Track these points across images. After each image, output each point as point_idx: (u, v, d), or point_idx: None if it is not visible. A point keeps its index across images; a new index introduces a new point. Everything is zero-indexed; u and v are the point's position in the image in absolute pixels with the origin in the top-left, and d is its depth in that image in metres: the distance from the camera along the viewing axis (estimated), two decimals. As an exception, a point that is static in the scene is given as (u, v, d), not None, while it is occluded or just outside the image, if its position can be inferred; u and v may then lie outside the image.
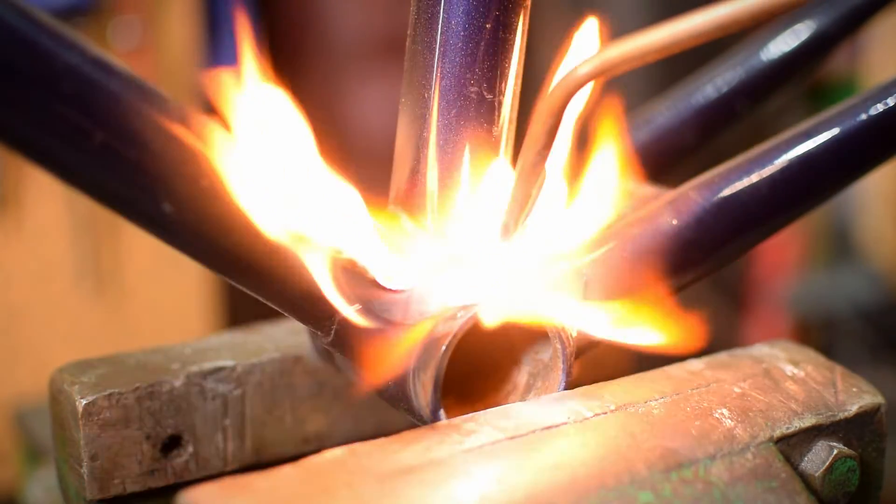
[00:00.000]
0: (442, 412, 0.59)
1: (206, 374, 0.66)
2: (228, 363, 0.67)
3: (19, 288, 1.79)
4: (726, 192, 0.65)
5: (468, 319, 0.58)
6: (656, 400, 0.60)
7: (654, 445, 0.56)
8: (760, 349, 0.66)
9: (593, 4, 1.82)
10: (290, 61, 2.15)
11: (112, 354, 0.68)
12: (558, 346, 0.61)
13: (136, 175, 0.53)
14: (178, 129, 0.54)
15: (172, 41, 1.82)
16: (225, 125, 0.56)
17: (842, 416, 0.61)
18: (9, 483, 1.53)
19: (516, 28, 0.62)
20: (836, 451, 0.59)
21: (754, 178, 0.65)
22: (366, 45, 2.11)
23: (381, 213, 0.63)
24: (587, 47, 0.64)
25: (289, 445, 0.70)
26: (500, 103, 0.63)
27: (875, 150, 0.66)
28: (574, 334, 0.61)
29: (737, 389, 0.61)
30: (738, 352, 0.66)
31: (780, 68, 0.82)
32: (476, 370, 0.64)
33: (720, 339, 0.66)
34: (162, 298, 1.88)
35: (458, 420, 0.58)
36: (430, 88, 0.62)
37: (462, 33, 0.62)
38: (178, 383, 0.65)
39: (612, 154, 0.64)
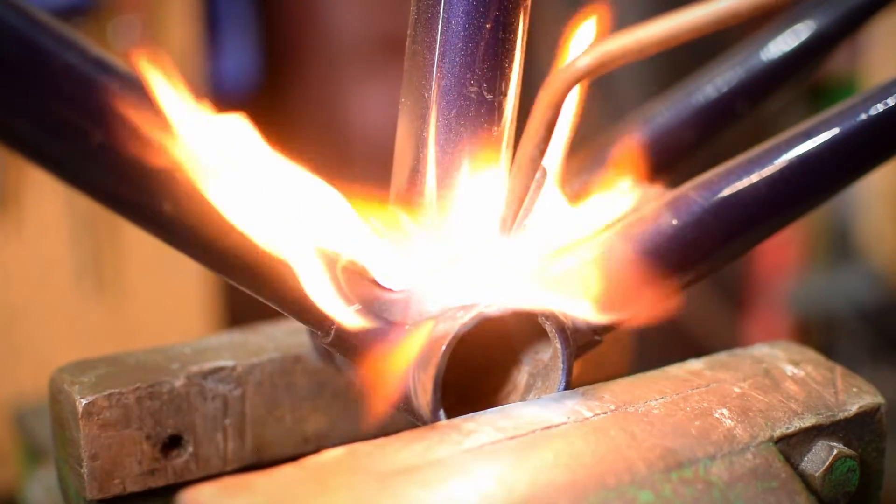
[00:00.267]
0: (442, 412, 0.59)
1: (206, 374, 0.66)
2: (228, 363, 0.67)
3: (19, 288, 1.79)
4: (726, 192, 0.65)
5: (468, 319, 0.58)
6: (656, 400, 0.60)
7: (654, 445, 0.56)
8: (760, 349, 0.66)
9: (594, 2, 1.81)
10: (290, 61, 2.15)
11: (112, 354, 0.68)
12: (558, 346, 0.61)
13: (136, 175, 0.53)
14: (178, 129, 0.54)
15: (172, 41, 1.82)
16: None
17: (842, 416, 0.61)
18: (9, 483, 1.53)
19: (516, 28, 0.62)
20: (836, 451, 0.59)
21: (754, 178, 0.65)
22: (366, 45, 2.11)
23: (381, 213, 0.63)
24: (586, 42, 0.64)
25: (289, 445, 0.70)
26: (500, 103, 0.63)
27: (875, 150, 0.66)
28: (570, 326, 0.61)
29: (737, 389, 0.61)
30: (738, 352, 0.66)
31: (780, 68, 0.81)
32: (476, 370, 0.64)
33: (720, 339, 0.66)
34: (162, 298, 1.88)
35: (458, 420, 0.58)
36: (430, 88, 0.62)
37: (462, 33, 0.62)
38: (178, 383, 0.65)
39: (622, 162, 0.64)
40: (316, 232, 0.58)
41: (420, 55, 0.63)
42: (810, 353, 0.65)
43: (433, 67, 0.62)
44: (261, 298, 0.60)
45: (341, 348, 0.62)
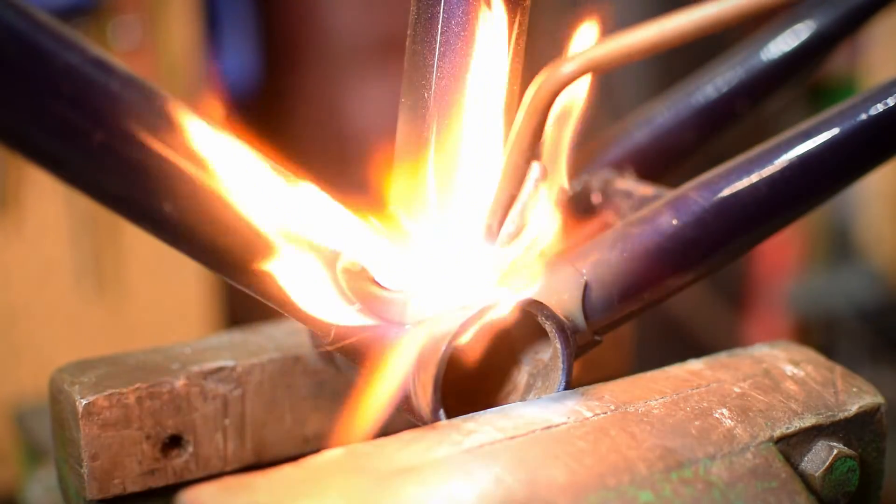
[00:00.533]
0: (442, 412, 0.59)
1: (206, 374, 0.66)
2: (228, 363, 0.67)
3: (19, 288, 1.80)
4: (726, 192, 0.65)
5: (468, 320, 0.58)
6: (656, 400, 0.60)
7: (654, 445, 0.56)
8: (760, 349, 0.66)
9: (592, 5, 1.81)
10: (289, 61, 2.15)
11: (112, 354, 0.68)
12: (558, 346, 0.61)
13: (136, 175, 0.53)
14: (178, 129, 0.54)
15: (172, 41, 1.82)
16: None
17: (842, 416, 0.61)
18: (9, 483, 1.53)
19: (517, 28, 0.62)
20: (836, 451, 0.59)
21: (754, 178, 0.65)
22: (365, 46, 2.11)
23: (380, 214, 0.63)
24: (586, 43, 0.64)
25: (289, 445, 0.70)
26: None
27: (875, 150, 0.66)
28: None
29: (737, 389, 0.61)
30: (738, 352, 0.66)
31: (780, 68, 0.81)
32: (476, 370, 0.64)
33: (720, 339, 0.66)
34: (162, 298, 1.88)
35: (458, 420, 0.58)
36: (430, 88, 0.62)
37: (462, 33, 0.62)
38: (178, 383, 0.65)
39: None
40: (316, 232, 0.58)
41: (420, 55, 0.63)
42: (810, 353, 0.65)
43: (433, 68, 0.62)
44: (261, 299, 0.60)
45: (341, 348, 0.62)
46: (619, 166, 0.77)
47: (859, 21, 0.83)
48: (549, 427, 0.57)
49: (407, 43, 0.64)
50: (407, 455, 0.54)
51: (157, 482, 0.65)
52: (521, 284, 0.63)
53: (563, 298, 0.63)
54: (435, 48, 0.62)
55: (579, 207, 0.77)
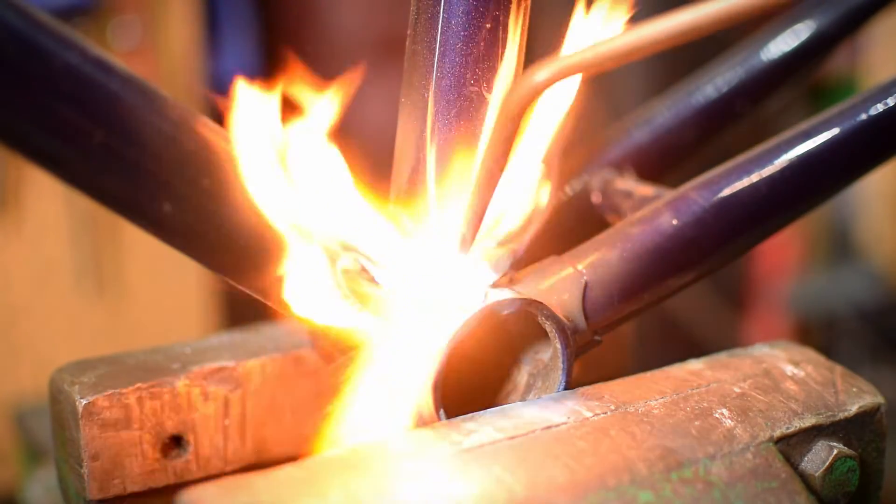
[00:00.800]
0: (442, 412, 0.59)
1: (206, 375, 0.66)
2: (228, 363, 0.67)
3: (19, 288, 1.80)
4: (726, 192, 0.65)
5: (468, 320, 0.58)
6: (656, 400, 0.60)
7: (654, 445, 0.56)
8: (760, 349, 0.66)
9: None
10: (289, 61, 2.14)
11: (112, 354, 0.68)
12: (558, 346, 0.61)
13: (136, 175, 0.53)
14: (177, 129, 0.54)
15: (172, 41, 1.82)
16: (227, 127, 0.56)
17: (842, 416, 0.61)
18: (9, 483, 1.53)
19: (516, 28, 0.62)
20: (836, 451, 0.59)
21: (754, 178, 0.65)
22: (366, 45, 2.11)
23: (380, 213, 0.63)
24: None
25: (289, 445, 0.70)
26: (500, 103, 0.62)
27: (875, 150, 0.66)
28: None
29: (737, 389, 0.61)
30: (738, 352, 0.66)
31: (780, 68, 0.81)
32: (476, 370, 0.64)
33: (720, 339, 0.66)
34: (162, 298, 1.88)
35: (458, 420, 0.58)
36: (430, 88, 0.62)
37: (462, 33, 0.62)
38: (178, 383, 0.65)
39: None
40: (315, 232, 0.58)
41: (420, 55, 0.63)
42: (810, 353, 0.65)
43: (433, 67, 0.62)
44: (260, 298, 0.60)
45: (341, 348, 0.62)
46: (619, 166, 0.77)
47: (859, 21, 0.83)
48: (549, 427, 0.57)
49: (407, 43, 0.64)
50: (407, 455, 0.54)
51: (158, 482, 0.65)
52: (519, 285, 0.63)
53: (563, 298, 0.63)
54: (435, 48, 0.62)
55: (579, 207, 0.77)
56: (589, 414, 0.58)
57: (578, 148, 0.79)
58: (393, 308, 0.61)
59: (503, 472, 0.53)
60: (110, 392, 0.63)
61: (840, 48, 0.85)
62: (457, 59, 0.62)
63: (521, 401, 0.62)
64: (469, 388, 0.64)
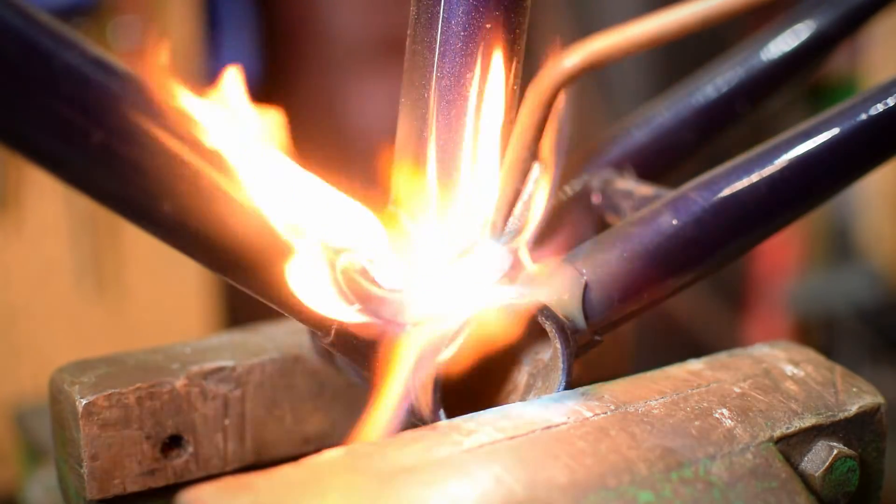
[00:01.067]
0: (442, 412, 0.59)
1: (206, 374, 0.66)
2: (228, 363, 0.67)
3: (19, 288, 1.80)
4: (726, 192, 0.65)
5: (468, 320, 0.58)
6: (656, 400, 0.60)
7: (654, 445, 0.56)
8: (760, 349, 0.66)
9: (591, 4, 1.82)
10: (289, 61, 2.15)
11: (112, 354, 0.68)
12: (558, 346, 0.61)
13: (136, 175, 0.53)
14: (178, 129, 0.54)
15: (172, 41, 1.82)
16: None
17: (842, 416, 0.61)
18: (9, 483, 1.53)
19: (516, 28, 0.62)
20: (836, 451, 0.59)
21: (754, 178, 0.65)
22: (366, 45, 2.11)
23: (381, 213, 0.63)
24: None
25: (289, 445, 0.70)
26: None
27: (875, 150, 0.66)
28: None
29: (737, 389, 0.61)
30: (738, 352, 0.66)
31: (780, 68, 0.81)
32: (476, 370, 0.64)
33: (720, 339, 0.66)
34: (162, 298, 1.88)
35: (458, 420, 0.58)
36: (430, 88, 0.62)
37: (462, 33, 0.62)
38: (178, 383, 0.65)
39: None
40: (316, 232, 0.58)
41: (420, 55, 0.63)
42: (810, 353, 0.65)
43: (433, 67, 0.62)
44: (261, 299, 0.60)
45: (341, 348, 0.62)
46: (619, 166, 0.77)
47: (859, 21, 0.83)
48: (549, 427, 0.57)
49: (407, 43, 0.64)
50: (407, 455, 0.54)
51: (157, 482, 0.65)
52: (523, 284, 0.63)
53: (563, 298, 0.63)
54: (435, 48, 0.62)
55: (579, 207, 0.77)
56: (589, 414, 0.58)
57: (578, 148, 0.79)
58: (393, 308, 0.61)
59: (503, 472, 0.53)
60: (110, 392, 0.63)
61: (840, 48, 0.85)
62: (457, 59, 0.62)
63: (521, 401, 0.62)
64: (469, 388, 0.64)
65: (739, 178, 0.65)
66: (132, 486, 0.65)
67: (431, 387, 0.58)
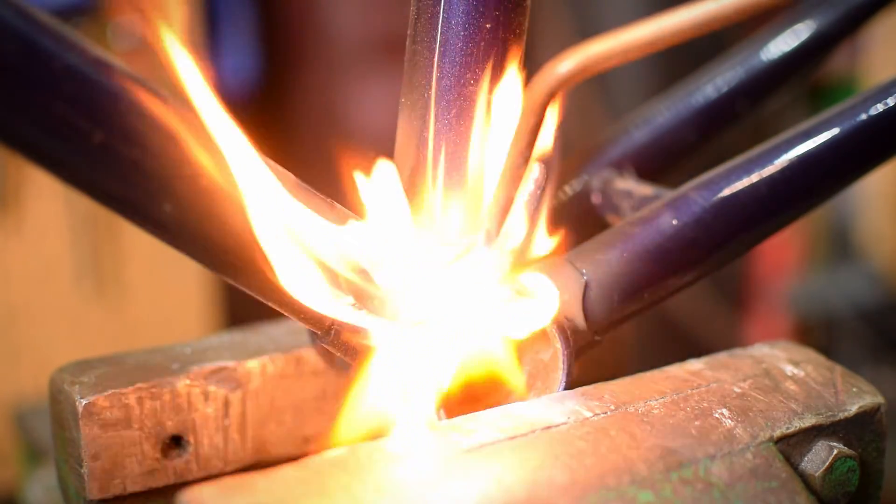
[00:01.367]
0: (442, 412, 0.59)
1: (206, 374, 0.66)
2: (229, 363, 0.67)
3: (19, 288, 1.80)
4: (726, 192, 0.65)
5: (468, 320, 0.58)
6: (656, 400, 0.60)
7: (654, 445, 0.56)
8: (760, 349, 0.66)
9: (591, 5, 1.82)
10: (290, 61, 2.15)
11: (112, 354, 0.68)
12: (558, 346, 0.61)
13: (136, 175, 0.53)
14: (178, 129, 0.54)
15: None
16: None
17: (842, 416, 0.61)
18: (9, 483, 1.53)
19: (516, 28, 0.62)
20: (836, 451, 0.59)
21: (754, 178, 0.65)
22: (366, 45, 2.11)
23: (380, 214, 0.63)
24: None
25: (289, 445, 0.70)
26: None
27: (875, 150, 0.66)
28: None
29: (737, 389, 0.61)
30: (738, 352, 0.66)
31: (780, 68, 0.82)
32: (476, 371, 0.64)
33: (720, 339, 0.66)
34: (162, 298, 1.88)
35: (458, 420, 0.58)
36: (430, 88, 0.62)
37: (462, 33, 0.62)
38: (178, 383, 0.65)
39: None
40: (316, 231, 0.58)
41: (420, 55, 0.63)
42: (810, 353, 0.65)
43: (433, 67, 0.62)
44: (261, 298, 0.60)
45: (342, 348, 0.62)
46: (619, 166, 0.77)
47: (859, 21, 0.83)
48: (549, 427, 0.57)
49: (407, 43, 0.64)
50: (407, 455, 0.54)
51: (158, 482, 0.65)
52: (524, 286, 0.63)
53: (564, 298, 0.63)
54: (435, 48, 0.62)
55: (579, 207, 0.77)
56: (589, 414, 0.58)
57: (578, 148, 0.79)
58: (393, 308, 0.61)
59: (503, 472, 0.53)
60: (110, 392, 0.63)
61: (840, 48, 0.85)
62: (457, 59, 0.62)
63: (520, 401, 0.62)
64: (469, 387, 0.64)
65: (739, 178, 0.65)
66: (132, 487, 0.65)
67: (431, 388, 0.58)
